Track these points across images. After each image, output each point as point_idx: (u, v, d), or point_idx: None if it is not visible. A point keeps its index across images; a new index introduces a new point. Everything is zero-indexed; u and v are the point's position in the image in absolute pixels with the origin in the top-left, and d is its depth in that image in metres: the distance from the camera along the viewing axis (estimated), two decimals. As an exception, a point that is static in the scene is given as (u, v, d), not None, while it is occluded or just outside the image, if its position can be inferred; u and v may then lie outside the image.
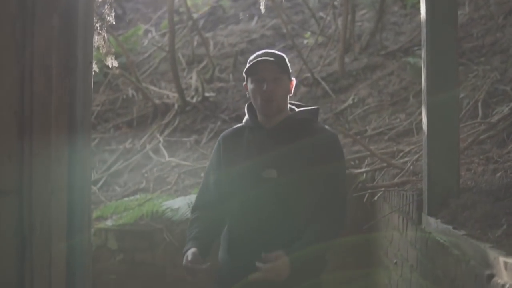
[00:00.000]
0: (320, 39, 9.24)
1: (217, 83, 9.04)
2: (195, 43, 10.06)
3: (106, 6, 4.24)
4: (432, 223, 3.63)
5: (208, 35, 10.35)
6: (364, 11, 9.58)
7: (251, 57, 3.32)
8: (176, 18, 10.07)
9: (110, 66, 4.22)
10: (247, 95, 3.36)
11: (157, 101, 8.91)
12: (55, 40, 2.11)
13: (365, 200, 5.33)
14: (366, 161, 5.89)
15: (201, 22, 10.69)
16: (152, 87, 9.32)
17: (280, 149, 3.21)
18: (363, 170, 5.55)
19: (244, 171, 3.22)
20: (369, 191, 5.18)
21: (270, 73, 3.21)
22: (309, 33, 9.54)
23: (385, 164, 5.34)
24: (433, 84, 3.79)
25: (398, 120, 6.74)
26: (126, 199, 6.37)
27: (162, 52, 9.86)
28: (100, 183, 7.47)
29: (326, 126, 3.41)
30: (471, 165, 4.49)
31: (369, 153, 5.74)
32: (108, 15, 4.23)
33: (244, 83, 3.37)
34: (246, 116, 3.40)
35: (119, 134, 8.70)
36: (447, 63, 3.76)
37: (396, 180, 4.77)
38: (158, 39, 10.68)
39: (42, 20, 2.09)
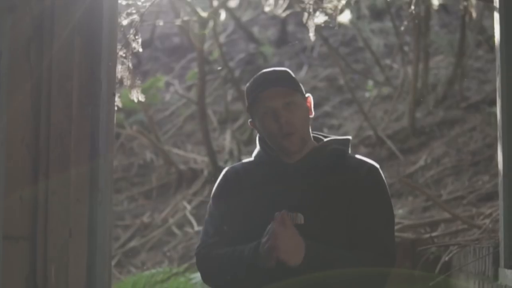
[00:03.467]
0: (386, 90, 9.91)
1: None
2: (230, 97, 10.80)
3: (131, 31, 4.78)
4: (509, 275, 4.18)
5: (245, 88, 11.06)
6: (440, 57, 10.26)
7: (250, 85, 3.36)
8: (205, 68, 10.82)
9: (136, 100, 4.80)
10: (256, 135, 3.50)
11: (182, 167, 9.59)
12: (77, 64, 2.37)
13: (437, 270, 5.87)
14: (440, 228, 6.46)
15: (237, 72, 11.43)
16: (176, 150, 10.02)
17: (308, 189, 3.29)
18: (436, 234, 6.12)
19: (266, 217, 3.20)
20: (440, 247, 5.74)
21: (279, 99, 3.25)
22: (371, 83, 10.23)
23: (460, 228, 5.94)
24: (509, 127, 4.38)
25: (480, 182, 7.31)
26: (147, 272, 6.99)
27: (188, 109, 10.63)
28: (113, 263, 8.11)
29: (363, 158, 3.45)
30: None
31: (444, 218, 6.36)
32: (134, 41, 4.77)
33: (250, 121, 3.45)
34: (258, 149, 3.45)
35: (134, 206, 9.38)
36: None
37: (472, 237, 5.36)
38: (183, 93, 11.41)
39: (62, 41, 2.35)
